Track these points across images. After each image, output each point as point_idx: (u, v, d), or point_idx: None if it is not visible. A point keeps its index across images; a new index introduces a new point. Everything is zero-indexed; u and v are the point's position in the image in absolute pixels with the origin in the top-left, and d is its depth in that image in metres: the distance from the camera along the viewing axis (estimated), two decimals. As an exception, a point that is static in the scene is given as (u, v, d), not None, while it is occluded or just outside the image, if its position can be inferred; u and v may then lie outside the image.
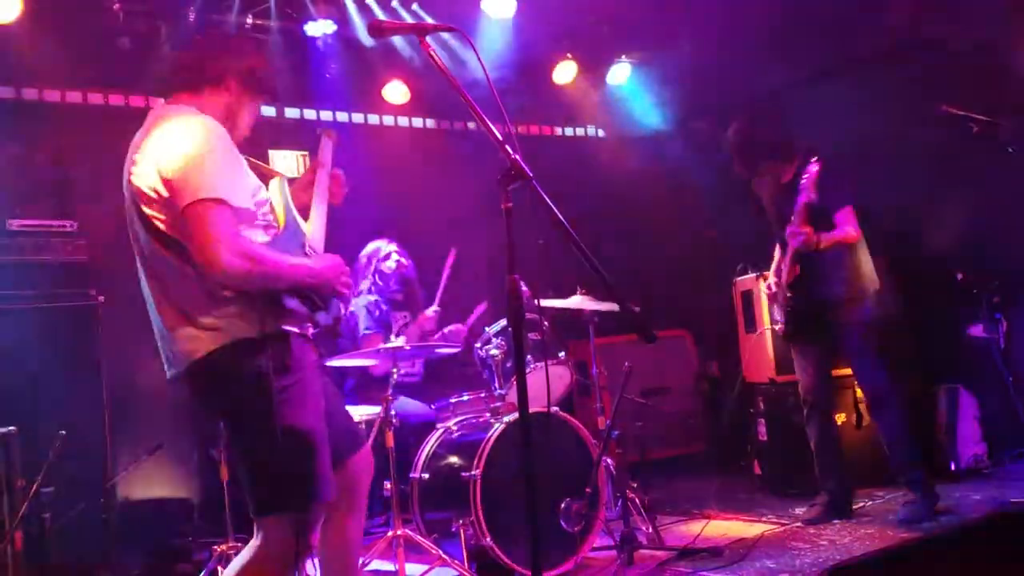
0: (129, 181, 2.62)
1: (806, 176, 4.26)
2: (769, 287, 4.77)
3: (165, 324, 2.63)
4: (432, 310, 5.35)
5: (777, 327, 4.72)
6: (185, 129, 2.58)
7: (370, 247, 5.45)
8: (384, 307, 5.35)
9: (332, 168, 3.04)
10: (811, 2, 5.79)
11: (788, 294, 4.53)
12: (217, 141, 2.58)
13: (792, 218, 4.35)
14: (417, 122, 6.70)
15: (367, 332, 5.17)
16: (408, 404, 5.11)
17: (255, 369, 2.53)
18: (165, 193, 2.52)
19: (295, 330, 2.65)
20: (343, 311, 2.84)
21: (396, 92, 6.35)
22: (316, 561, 3.01)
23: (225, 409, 2.69)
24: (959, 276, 5.34)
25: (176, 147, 2.54)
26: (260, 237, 2.65)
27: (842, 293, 4.48)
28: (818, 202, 4.31)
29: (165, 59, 5.10)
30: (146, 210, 2.58)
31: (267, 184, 2.81)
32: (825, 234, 4.36)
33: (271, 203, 2.75)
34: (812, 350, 4.63)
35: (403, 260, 5.41)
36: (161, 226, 2.57)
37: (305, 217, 2.86)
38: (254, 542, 2.62)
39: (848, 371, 5.08)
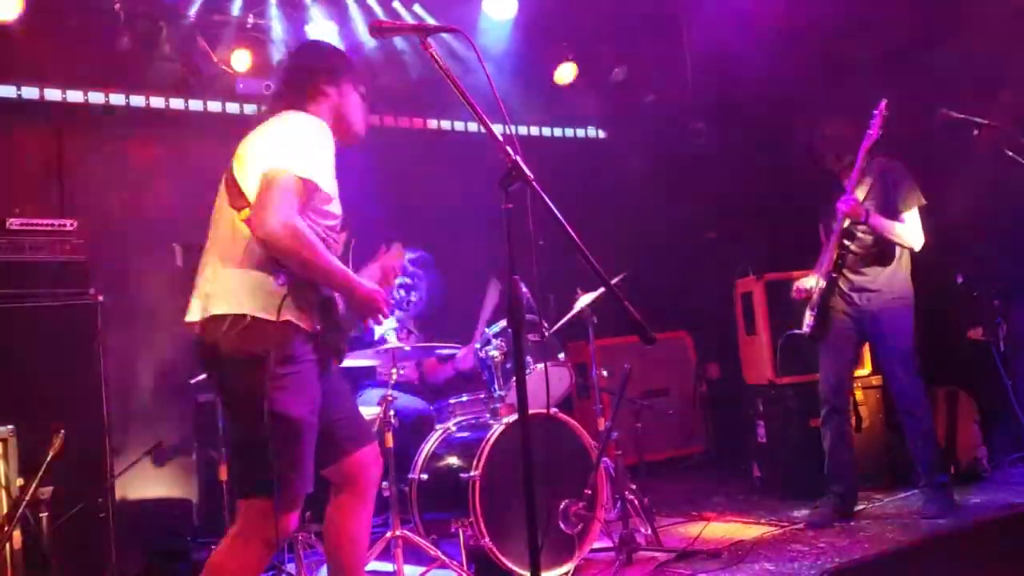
0: (228, 166, 2.79)
1: (874, 114, 4.21)
2: (800, 285, 4.67)
3: (204, 275, 2.75)
4: (464, 351, 5.16)
5: (805, 329, 4.65)
6: (288, 119, 2.80)
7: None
8: None
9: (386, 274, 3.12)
10: (812, 2, 5.81)
11: (824, 281, 4.48)
12: (317, 133, 2.76)
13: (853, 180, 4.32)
14: (418, 122, 6.70)
15: None
16: (402, 399, 5.07)
17: (253, 349, 2.59)
18: (256, 163, 2.68)
19: (303, 326, 2.68)
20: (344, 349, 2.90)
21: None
22: (312, 561, 3.01)
23: (221, 383, 2.74)
24: (959, 279, 5.34)
25: (276, 130, 2.77)
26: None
27: (883, 290, 4.46)
28: (885, 196, 4.34)
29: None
30: (236, 174, 2.73)
31: None
32: (874, 213, 4.32)
33: (339, 223, 2.89)
34: (840, 350, 4.60)
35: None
36: (242, 187, 2.70)
37: None
38: (234, 526, 2.68)
39: (858, 373, 5.09)
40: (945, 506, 4.40)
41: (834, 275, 4.49)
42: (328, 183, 2.74)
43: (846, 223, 4.42)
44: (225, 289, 2.65)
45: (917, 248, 4.44)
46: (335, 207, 2.84)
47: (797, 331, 4.72)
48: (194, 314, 2.72)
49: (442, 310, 5.39)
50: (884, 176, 4.45)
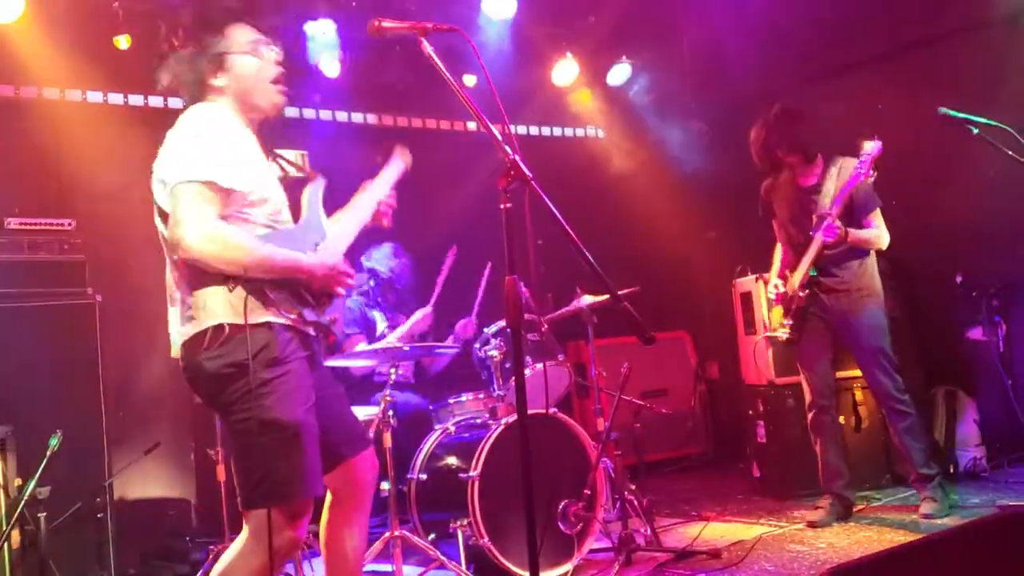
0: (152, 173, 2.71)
1: (866, 156, 4.26)
2: (776, 288, 4.68)
3: (169, 305, 2.69)
4: (423, 312, 5.24)
5: (782, 334, 4.65)
6: (185, 119, 2.66)
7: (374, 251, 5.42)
8: (367, 307, 5.31)
9: (389, 190, 3.07)
10: (812, 2, 5.81)
11: (801, 294, 4.51)
12: (211, 125, 2.63)
13: (829, 208, 4.36)
14: (417, 122, 6.69)
15: (347, 333, 5.12)
16: (397, 397, 5.07)
17: (236, 359, 2.53)
18: (161, 179, 2.60)
19: (281, 321, 2.61)
20: (338, 317, 2.81)
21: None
22: (310, 562, 3.00)
23: (211, 398, 2.66)
24: (959, 278, 5.34)
25: (175, 135, 2.63)
26: (258, 231, 2.65)
27: (850, 290, 4.48)
28: (847, 201, 4.35)
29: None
30: (156, 195, 2.64)
31: (305, 183, 2.91)
32: (853, 230, 4.38)
33: (281, 203, 2.78)
34: (818, 353, 4.60)
35: (394, 262, 5.37)
36: (162, 208, 2.62)
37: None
38: (241, 535, 2.63)
39: (848, 373, 5.08)
40: (944, 506, 4.40)
41: (814, 288, 4.51)
42: (237, 179, 2.57)
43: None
44: (190, 314, 2.59)
45: (886, 246, 4.50)
46: (265, 192, 2.68)
47: (771, 335, 4.74)
48: (174, 346, 2.66)
49: (440, 309, 5.39)
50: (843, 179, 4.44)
